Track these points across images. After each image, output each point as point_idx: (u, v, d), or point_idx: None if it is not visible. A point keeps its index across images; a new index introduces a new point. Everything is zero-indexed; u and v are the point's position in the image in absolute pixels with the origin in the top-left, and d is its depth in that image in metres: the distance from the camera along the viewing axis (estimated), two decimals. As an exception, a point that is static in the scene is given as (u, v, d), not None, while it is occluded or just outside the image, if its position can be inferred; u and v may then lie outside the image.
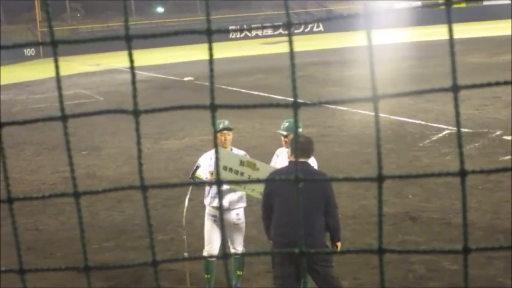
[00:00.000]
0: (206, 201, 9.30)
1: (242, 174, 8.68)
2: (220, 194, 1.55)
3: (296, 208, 6.22)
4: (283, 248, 7.63)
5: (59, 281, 10.04)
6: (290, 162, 8.14)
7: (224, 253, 1.48)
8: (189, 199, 9.20)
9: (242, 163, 8.68)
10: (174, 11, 79.83)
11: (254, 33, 63.64)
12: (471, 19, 53.47)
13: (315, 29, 63.35)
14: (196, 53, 36.96)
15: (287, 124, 8.85)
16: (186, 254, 9.12)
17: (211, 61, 1.35)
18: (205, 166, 9.16)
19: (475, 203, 11.88)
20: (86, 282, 1.82)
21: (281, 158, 9.01)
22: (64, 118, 1.50)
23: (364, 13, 1.36)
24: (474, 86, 1.30)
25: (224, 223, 9.27)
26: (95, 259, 10.48)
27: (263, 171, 8.65)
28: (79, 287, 9.60)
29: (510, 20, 39.80)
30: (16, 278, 1.90)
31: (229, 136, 9.13)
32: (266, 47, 51.54)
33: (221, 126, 8.97)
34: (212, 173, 9.06)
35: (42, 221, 13.06)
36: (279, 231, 7.80)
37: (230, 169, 8.64)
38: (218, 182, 1.51)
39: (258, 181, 8.22)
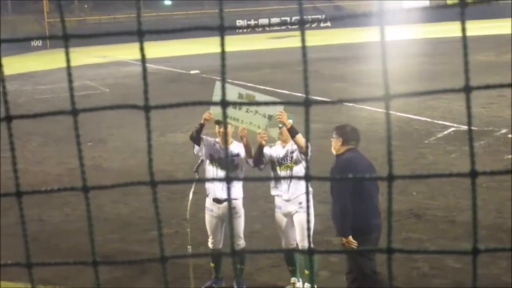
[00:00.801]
0: (206, 185, 9.33)
1: (240, 108, 8.62)
2: (229, 192, 1.55)
3: (373, 195, 6.16)
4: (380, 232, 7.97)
5: (64, 272, 10.06)
6: (351, 150, 8.12)
7: (232, 249, 1.48)
8: (194, 193, 9.21)
9: (241, 96, 8.64)
10: (181, 4, 79.82)
11: (260, 27, 63.56)
12: (479, 17, 53.32)
13: (322, 25, 63.22)
14: (203, 46, 36.97)
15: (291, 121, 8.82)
16: (189, 248, 9.13)
17: (223, 57, 1.35)
18: (208, 147, 9.21)
19: (479, 202, 11.60)
20: (91, 273, 1.83)
21: (274, 148, 9.01)
22: (74, 112, 1.50)
23: (377, 11, 1.36)
24: (487, 87, 1.29)
25: (220, 217, 9.27)
26: (100, 251, 10.45)
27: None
28: (84, 278, 9.62)
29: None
30: (19, 269, 1.90)
31: (227, 129, 9.12)
32: (273, 41, 51.49)
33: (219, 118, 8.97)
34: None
35: (46, 212, 13.08)
36: (378, 215, 8.00)
37: (228, 103, 8.63)
38: (228, 179, 1.51)
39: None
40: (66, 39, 1.34)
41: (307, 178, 1.33)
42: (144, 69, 1.40)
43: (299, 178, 1.32)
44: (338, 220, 7.90)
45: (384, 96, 1.32)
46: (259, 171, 9.19)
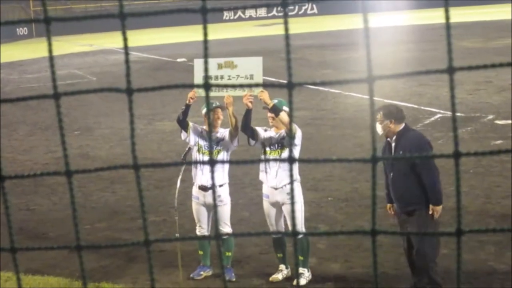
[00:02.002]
0: (192, 172, 9.34)
1: (221, 77, 8.67)
2: (213, 175, 1.54)
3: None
4: None
5: (51, 261, 10.05)
6: (406, 126, 8.31)
7: (216, 234, 1.48)
8: (181, 181, 9.20)
9: (220, 66, 8.68)
10: (168, -8, 79.44)
11: (248, 14, 63.46)
12: (466, 3, 53.37)
13: (309, 12, 63.14)
14: (189, 34, 36.80)
15: (275, 101, 8.84)
16: (177, 235, 9.13)
17: (205, 40, 1.34)
18: (195, 134, 9.21)
19: (466, 188, 11.90)
20: (78, 262, 1.82)
21: (268, 133, 9.05)
22: (56, 96, 1.49)
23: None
24: (469, 68, 1.29)
25: (206, 205, 9.27)
26: (88, 239, 10.49)
27: (242, 66, 8.67)
28: (72, 266, 9.61)
29: (506, 5, 39.64)
30: (7, 258, 1.89)
31: (217, 115, 9.18)
32: (260, 29, 51.38)
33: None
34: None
35: (34, 201, 13.04)
36: None
37: (209, 77, 8.64)
38: (212, 161, 1.51)
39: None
40: (48, 22, 1.33)
41: (291, 160, 1.33)
42: (126, 53, 1.39)
43: (285, 160, 1.32)
44: (438, 191, 8.07)
45: (367, 78, 1.32)
46: (249, 145, 9.19)
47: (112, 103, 21.87)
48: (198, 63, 8.78)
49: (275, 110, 8.57)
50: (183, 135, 9.28)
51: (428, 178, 8.00)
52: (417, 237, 8.10)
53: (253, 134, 8.94)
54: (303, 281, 9.00)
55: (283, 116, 8.52)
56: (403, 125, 8.22)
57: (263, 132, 9.04)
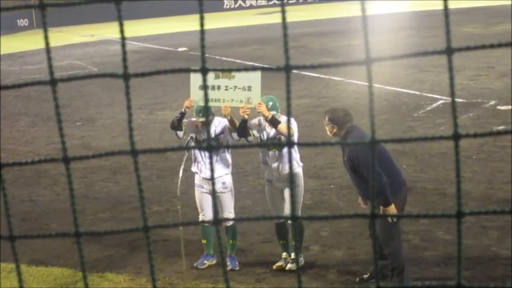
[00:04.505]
0: (193, 167, 9.34)
1: (218, 87, 8.66)
2: (212, 162, 1.54)
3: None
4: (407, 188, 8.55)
5: (55, 252, 10.07)
6: (351, 129, 8.39)
7: (215, 218, 1.47)
8: (184, 170, 9.20)
9: (217, 76, 8.66)
10: (168, -18, 79.30)
11: (248, 3, 63.35)
12: (467, -11, 53.13)
13: (308, 0, 62.99)
14: (190, 23, 36.69)
15: (271, 103, 8.88)
16: (180, 227, 9.14)
17: (201, 23, 1.33)
18: (192, 129, 9.21)
19: (469, 173, 11.90)
20: (83, 252, 1.81)
21: (264, 127, 9.06)
22: (53, 82, 1.49)
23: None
24: (468, 48, 1.29)
25: (210, 193, 9.28)
26: (90, 230, 10.49)
27: (240, 77, 8.67)
28: (76, 257, 9.62)
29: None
30: (10, 250, 1.89)
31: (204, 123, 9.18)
32: (261, 17, 51.24)
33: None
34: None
35: (36, 192, 13.05)
36: (401, 172, 8.52)
37: (206, 86, 8.64)
38: (210, 147, 1.50)
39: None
40: (43, 8, 1.33)
41: (290, 144, 1.32)
42: (123, 37, 1.38)
43: (281, 145, 1.31)
44: (381, 193, 7.94)
45: (365, 60, 1.31)
46: (248, 142, 9.19)
47: (113, 93, 21.84)
48: (195, 76, 8.69)
49: (274, 121, 8.62)
50: (180, 134, 9.22)
51: (370, 183, 8.01)
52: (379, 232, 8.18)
53: (247, 134, 8.98)
54: (294, 267, 8.99)
55: (282, 127, 8.59)
56: (346, 129, 8.32)
57: (258, 126, 9.06)
